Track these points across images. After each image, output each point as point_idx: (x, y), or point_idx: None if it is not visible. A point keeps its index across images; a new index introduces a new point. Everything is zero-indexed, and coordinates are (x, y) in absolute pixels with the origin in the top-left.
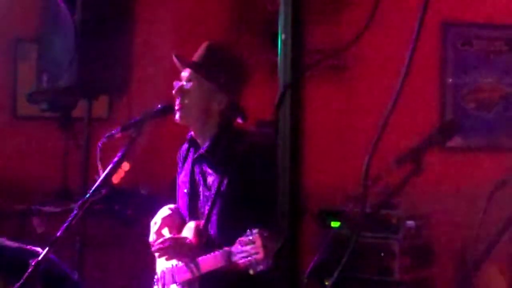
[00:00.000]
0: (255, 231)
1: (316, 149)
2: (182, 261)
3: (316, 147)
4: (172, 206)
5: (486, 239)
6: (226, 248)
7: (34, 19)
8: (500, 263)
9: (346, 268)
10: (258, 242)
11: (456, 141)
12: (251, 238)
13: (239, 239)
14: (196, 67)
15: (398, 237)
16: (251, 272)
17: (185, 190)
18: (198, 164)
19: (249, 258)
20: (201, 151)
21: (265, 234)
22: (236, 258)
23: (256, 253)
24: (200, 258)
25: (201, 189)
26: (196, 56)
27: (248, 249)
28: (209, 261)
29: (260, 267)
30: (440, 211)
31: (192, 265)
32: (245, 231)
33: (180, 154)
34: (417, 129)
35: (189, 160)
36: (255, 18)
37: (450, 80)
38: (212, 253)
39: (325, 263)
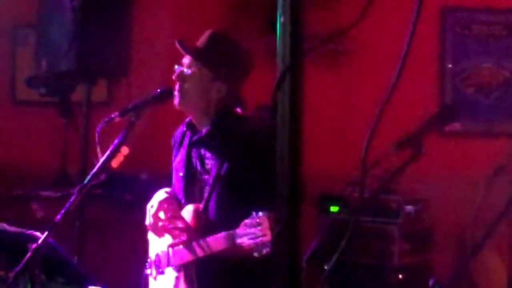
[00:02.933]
0: (261, 213)
1: (315, 134)
2: (180, 244)
3: (315, 131)
4: (168, 189)
5: (485, 224)
6: (230, 231)
7: (33, 4)
8: (499, 248)
9: (345, 252)
10: (266, 224)
11: (455, 126)
12: (258, 220)
13: (244, 221)
14: (197, 55)
15: (397, 222)
16: (255, 254)
17: (181, 174)
18: (195, 148)
19: (255, 240)
20: (201, 134)
21: (272, 216)
22: (240, 240)
23: (264, 235)
24: (202, 240)
25: (198, 173)
26: (198, 43)
27: (254, 231)
28: (213, 243)
29: (267, 250)
30: (439, 196)
31: (192, 247)
32: (244, 215)
33: (175, 137)
34: (416, 113)
35: (185, 143)
36: (254, 2)
37: (450, 65)
38: (215, 235)
39: (324, 248)
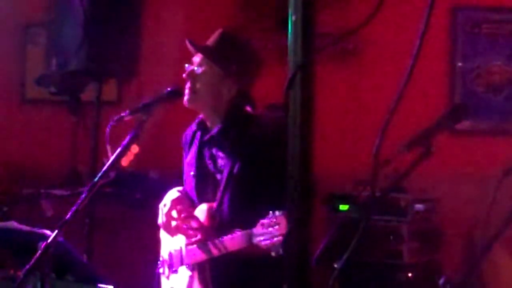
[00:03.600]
0: (279, 213)
1: (326, 133)
2: (194, 243)
3: (326, 130)
4: (180, 188)
5: (495, 223)
6: (247, 230)
7: (43, 4)
8: (509, 247)
9: (355, 251)
10: (283, 223)
11: (465, 125)
12: (275, 219)
13: (261, 221)
14: (207, 53)
15: (407, 221)
16: (273, 254)
17: (192, 173)
18: (207, 147)
19: (272, 240)
20: (213, 133)
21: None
22: (257, 240)
23: (281, 234)
24: (218, 239)
25: (211, 172)
26: (209, 42)
27: (271, 230)
28: (229, 242)
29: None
30: (449, 195)
31: (208, 246)
32: (257, 214)
33: (185, 137)
34: (427, 112)
35: (196, 143)
36: (265, 1)
37: (460, 64)
38: (232, 235)
39: (334, 246)
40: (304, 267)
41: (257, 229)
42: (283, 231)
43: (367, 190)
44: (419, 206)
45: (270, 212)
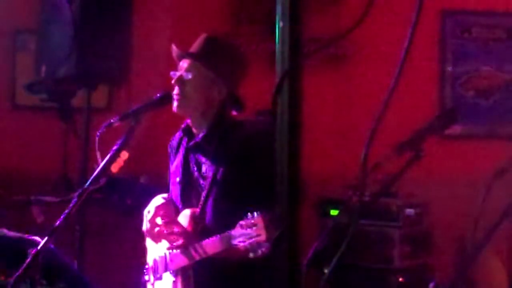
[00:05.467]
0: (256, 213)
1: (315, 137)
2: (176, 248)
3: (315, 135)
4: (165, 195)
5: (485, 226)
6: (226, 232)
7: (33, 10)
8: (500, 251)
9: (345, 256)
10: (261, 224)
11: (455, 129)
12: (253, 221)
13: (240, 222)
14: (197, 56)
15: (398, 225)
16: (251, 255)
17: (177, 179)
18: (192, 154)
19: (250, 240)
20: (197, 139)
21: (267, 216)
22: (236, 242)
23: (258, 235)
24: (198, 243)
25: (195, 178)
26: (194, 47)
27: (249, 231)
28: (209, 246)
29: (262, 250)
30: (440, 199)
31: (189, 251)
32: (240, 219)
33: (171, 144)
34: (417, 116)
35: (182, 149)
36: (255, 7)
37: (449, 68)
38: (210, 238)
39: (324, 251)
40: (294, 272)
41: (236, 231)
42: (260, 231)
43: (357, 195)
44: (409, 211)
45: (248, 213)
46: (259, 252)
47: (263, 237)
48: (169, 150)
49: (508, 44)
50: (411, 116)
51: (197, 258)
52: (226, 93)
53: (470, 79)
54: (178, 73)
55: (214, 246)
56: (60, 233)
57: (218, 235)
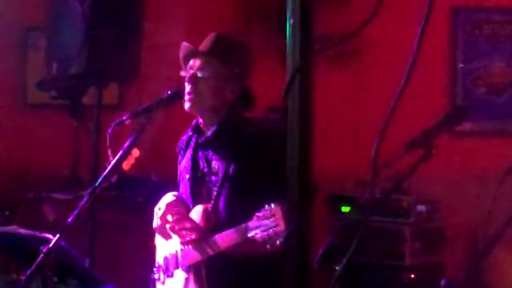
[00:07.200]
0: (274, 204)
1: (326, 134)
2: (189, 243)
3: (326, 132)
4: (176, 193)
5: (496, 223)
6: (242, 224)
7: (44, 8)
8: (511, 247)
9: (356, 253)
10: (279, 214)
11: (466, 126)
12: (270, 211)
13: (256, 214)
14: (211, 53)
15: (409, 222)
16: (267, 246)
17: (187, 176)
18: (202, 150)
19: (268, 231)
20: (207, 135)
21: (285, 207)
22: (252, 233)
23: (277, 225)
24: (212, 237)
25: (205, 174)
26: (205, 45)
27: (267, 222)
28: (223, 239)
29: (280, 240)
30: (451, 196)
31: (202, 246)
32: (252, 214)
33: (180, 143)
34: (427, 113)
35: (190, 147)
36: (265, 4)
37: (461, 65)
38: (225, 232)
39: (335, 248)
40: (305, 269)
41: (253, 222)
42: (278, 222)
43: (368, 192)
44: (421, 208)
45: (266, 205)
46: (277, 242)
47: (281, 227)
48: (177, 149)
49: None
50: (422, 113)
51: (211, 253)
52: (237, 91)
53: (481, 76)
54: (190, 72)
55: (229, 239)
56: (71, 231)
57: (233, 228)
